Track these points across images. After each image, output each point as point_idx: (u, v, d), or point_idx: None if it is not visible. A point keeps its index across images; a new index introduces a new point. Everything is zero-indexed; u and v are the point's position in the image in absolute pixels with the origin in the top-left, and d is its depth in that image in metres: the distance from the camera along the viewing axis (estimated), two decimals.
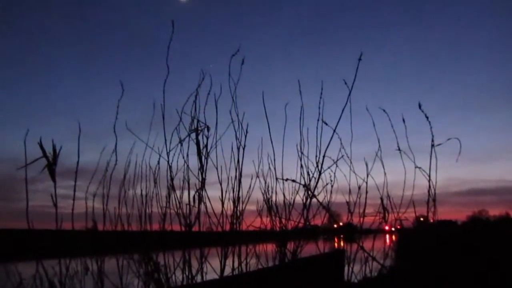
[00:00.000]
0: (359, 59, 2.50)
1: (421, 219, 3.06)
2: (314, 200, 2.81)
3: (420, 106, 2.74)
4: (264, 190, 2.89)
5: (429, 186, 2.80)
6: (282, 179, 2.81)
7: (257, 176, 2.87)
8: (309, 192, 2.74)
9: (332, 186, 2.91)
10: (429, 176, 2.78)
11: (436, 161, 2.79)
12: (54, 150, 2.02)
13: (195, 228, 2.65)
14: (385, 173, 2.92)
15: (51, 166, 2.02)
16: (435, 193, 2.82)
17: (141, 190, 2.77)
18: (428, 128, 2.80)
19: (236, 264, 2.70)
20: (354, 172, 2.89)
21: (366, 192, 2.89)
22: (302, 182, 2.80)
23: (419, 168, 2.80)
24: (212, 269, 2.63)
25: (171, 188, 2.65)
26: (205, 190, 2.64)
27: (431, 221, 2.92)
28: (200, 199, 2.63)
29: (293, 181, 2.77)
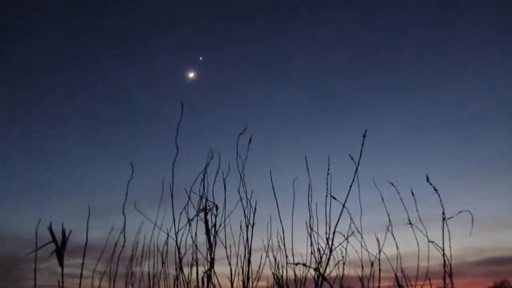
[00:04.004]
0: (364, 136, 2.54)
1: None
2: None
3: (428, 179, 2.73)
4: (274, 268, 2.82)
5: (444, 261, 2.71)
6: (293, 263, 2.75)
7: (267, 255, 2.81)
8: (320, 274, 2.67)
9: (344, 262, 2.83)
10: (443, 250, 2.70)
11: (449, 234, 2.73)
12: (64, 234, 2.02)
13: None
14: (397, 247, 2.85)
15: (60, 251, 2.01)
16: (450, 268, 2.73)
17: (149, 270, 2.73)
18: (439, 197, 2.77)
19: None
20: (366, 249, 2.82)
21: (379, 270, 2.81)
22: (313, 260, 2.73)
23: (432, 242, 2.74)
24: None
25: (180, 269, 2.60)
26: (213, 270, 2.59)
27: None
28: (209, 279, 2.57)
29: (304, 265, 2.71)
